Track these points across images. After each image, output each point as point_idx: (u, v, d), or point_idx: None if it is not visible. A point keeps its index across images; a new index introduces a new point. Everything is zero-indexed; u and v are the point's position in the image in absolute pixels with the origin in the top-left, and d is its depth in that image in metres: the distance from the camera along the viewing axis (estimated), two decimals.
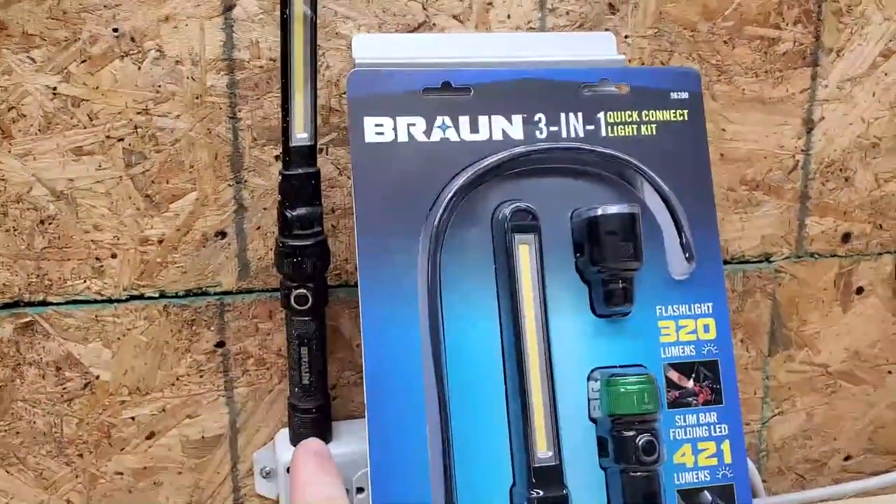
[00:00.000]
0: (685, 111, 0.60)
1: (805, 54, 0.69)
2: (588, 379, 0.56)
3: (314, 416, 0.62)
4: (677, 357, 0.57)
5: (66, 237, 0.61)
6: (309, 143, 0.58)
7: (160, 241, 0.63)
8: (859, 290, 0.75)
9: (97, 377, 0.63)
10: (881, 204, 0.73)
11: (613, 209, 0.56)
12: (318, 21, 0.57)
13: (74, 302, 0.62)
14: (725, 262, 0.71)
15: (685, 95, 0.60)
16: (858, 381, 0.76)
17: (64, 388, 0.63)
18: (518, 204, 0.56)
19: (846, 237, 0.73)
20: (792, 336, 0.74)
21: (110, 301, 0.63)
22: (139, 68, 0.60)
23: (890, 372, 0.77)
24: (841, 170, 0.72)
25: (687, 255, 0.58)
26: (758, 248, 0.72)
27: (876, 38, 0.70)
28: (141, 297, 0.63)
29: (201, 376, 0.65)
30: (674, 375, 0.57)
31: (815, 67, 0.69)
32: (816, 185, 0.72)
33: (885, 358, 0.76)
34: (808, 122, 0.70)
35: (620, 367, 0.56)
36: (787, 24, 0.68)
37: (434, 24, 0.63)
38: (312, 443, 0.51)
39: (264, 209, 0.64)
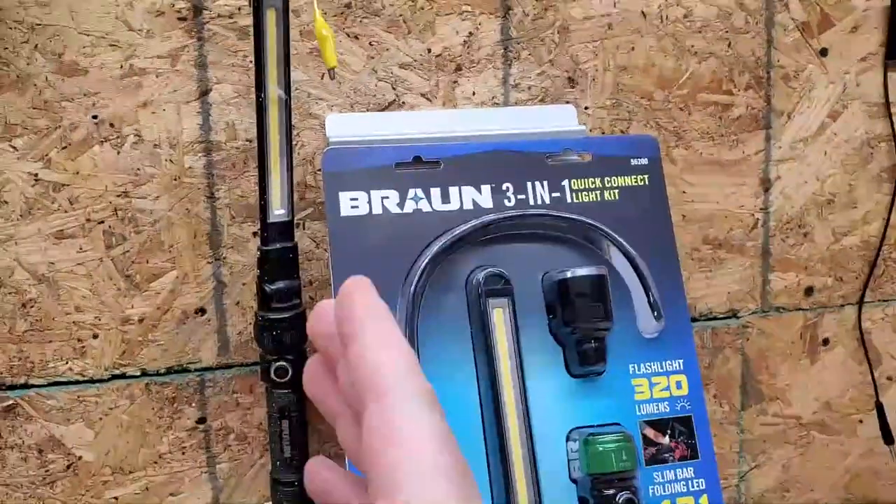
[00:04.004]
0: (645, 176, 0.63)
1: (758, 118, 0.73)
2: (566, 440, 0.57)
3: (297, 489, 0.62)
4: (652, 414, 0.59)
5: (47, 319, 0.62)
6: (286, 219, 0.60)
7: (141, 320, 0.64)
8: (825, 342, 0.77)
9: (79, 458, 0.63)
10: (840, 257, 0.76)
11: (582, 271, 0.59)
12: (291, 103, 0.59)
13: (56, 384, 0.63)
14: (694, 320, 0.73)
15: (644, 161, 0.63)
16: (831, 431, 0.78)
17: (46, 471, 0.63)
18: (491, 269, 0.58)
19: (809, 291, 0.76)
20: (763, 389, 0.76)
21: (92, 381, 0.63)
22: (118, 153, 0.62)
23: (861, 421, 0.79)
24: (799, 226, 0.75)
25: (655, 313, 0.60)
26: (724, 305, 0.74)
27: (823, 100, 0.74)
28: (123, 376, 0.64)
29: (183, 453, 0.65)
30: (650, 432, 0.59)
31: (768, 130, 0.73)
32: (777, 242, 0.74)
33: (854, 407, 0.78)
34: (765, 181, 0.73)
35: (598, 426, 0.58)
36: (738, 90, 0.72)
37: (403, 103, 0.66)
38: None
39: (243, 285, 0.65)
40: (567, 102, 0.69)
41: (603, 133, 0.69)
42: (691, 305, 0.73)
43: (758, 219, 0.74)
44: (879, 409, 0.78)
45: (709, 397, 0.74)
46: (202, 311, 0.65)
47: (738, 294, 0.74)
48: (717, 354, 0.74)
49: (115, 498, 0.64)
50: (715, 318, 0.74)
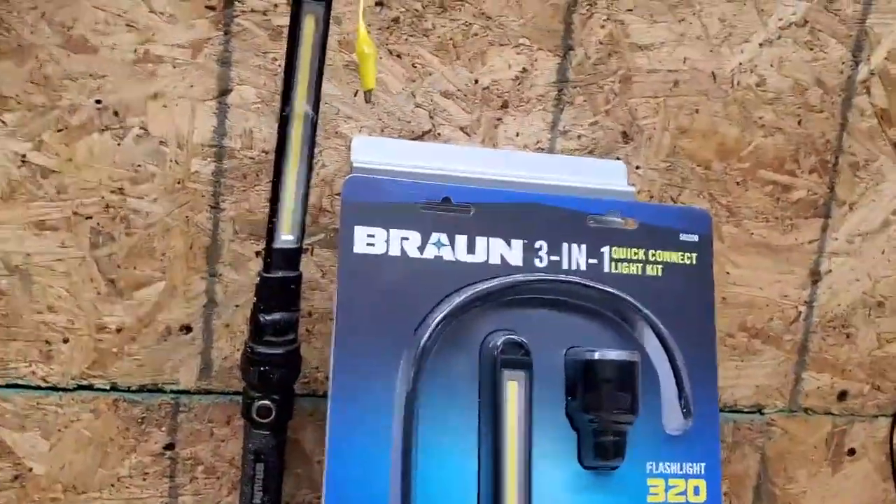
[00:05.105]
0: (694, 255, 0.57)
1: (817, 204, 0.67)
2: None
3: None
4: None
5: (15, 315, 0.56)
6: (294, 246, 0.54)
7: (119, 330, 0.58)
8: (851, 452, 0.71)
9: (29, 470, 0.58)
10: (882, 365, 0.70)
11: (613, 355, 0.53)
12: (318, 120, 0.53)
13: (15, 386, 0.57)
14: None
15: (695, 238, 0.57)
16: None
17: None
18: (511, 336, 0.52)
19: (842, 395, 0.70)
20: (777, 493, 0.70)
21: (55, 389, 0.57)
22: (119, 144, 0.56)
23: None
24: (843, 326, 0.69)
25: (685, 410, 0.54)
26: (751, 399, 0.68)
27: (891, 195, 0.68)
28: (90, 387, 0.58)
29: (144, 479, 0.59)
30: None
31: (826, 219, 0.67)
32: (817, 339, 0.69)
33: None
34: (814, 273, 0.68)
35: None
36: (802, 172, 0.66)
37: (439, 134, 0.60)
38: None
39: (237, 306, 0.59)
40: (618, 158, 0.63)
41: (652, 197, 0.64)
42: None
43: (800, 312, 0.68)
44: None
45: None
46: (188, 328, 0.59)
47: (766, 389, 0.68)
48: (735, 450, 0.68)
49: None
50: (739, 412, 0.68)
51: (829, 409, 0.70)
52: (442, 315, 0.52)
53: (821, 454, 0.71)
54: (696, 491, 0.55)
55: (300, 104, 0.52)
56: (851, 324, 0.69)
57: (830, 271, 0.68)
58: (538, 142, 0.62)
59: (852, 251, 0.68)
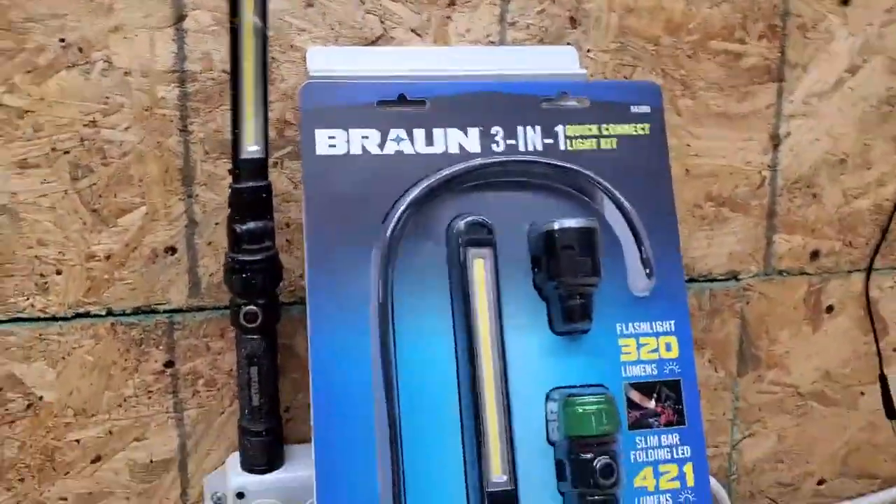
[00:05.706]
0: (646, 125, 0.59)
1: (770, 69, 0.68)
2: (546, 399, 0.54)
3: (265, 440, 0.59)
4: (639, 376, 0.56)
5: (8, 253, 0.59)
6: (260, 156, 0.57)
7: (108, 257, 0.61)
8: (829, 309, 0.73)
9: (41, 398, 0.61)
10: (850, 220, 0.72)
11: (570, 223, 0.55)
12: (271, 33, 0.55)
13: (17, 320, 0.60)
14: (692, 280, 0.69)
15: (646, 109, 0.59)
16: (830, 402, 0.75)
17: (5, 410, 0.60)
18: (473, 217, 0.55)
19: (815, 255, 0.72)
20: (761, 356, 0.72)
21: (55, 319, 0.61)
22: (87, 79, 0.58)
23: (863, 393, 0.75)
24: (808, 186, 0.71)
25: (647, 270, 0.57)
26: (725, 266, 0.70)
27: (841, 53, 0.69)
28: (87, 314, 0.61)
29: (150, 397, 0.63)
30: (635, 395, 0.55)
31: (780, 82, 0.68)
32: (784, 202, 0.70)
33: (857, 378, 0.75)
34: (774, 137, 0.69)
35: (580, 387, 0.54)
36: (751, 39, 0.67)
37: (392, 38, 0.62)
38: None
39: (216, 224, 0.62)
40: (568, 44, 0.64)
41: (605, 78, 0.65)
42: (690, 265, 0.69)
43: (765, 176, 0.70)
44: (883, 381, 0.75)
45: (703, 362, 0.71)
46: (172, 249, 0.62)
47: (739, 255, 0.70)
48: (715, 317, 0.71)
49: (77, 440, 0.62)
50: (714, 280, 0.70)
51: (803, 269, 0.72)
52: (406, 203, 0.55)
53: (800, 314, 0.73)
54: (668, 347, 0.57)
55: (248, 15, 0.54)
56: (816, 183, 0.71)
57: (790, 134, 0.69)
58: (488, 35, 0.64)
59: (810, 112, 0.70)
